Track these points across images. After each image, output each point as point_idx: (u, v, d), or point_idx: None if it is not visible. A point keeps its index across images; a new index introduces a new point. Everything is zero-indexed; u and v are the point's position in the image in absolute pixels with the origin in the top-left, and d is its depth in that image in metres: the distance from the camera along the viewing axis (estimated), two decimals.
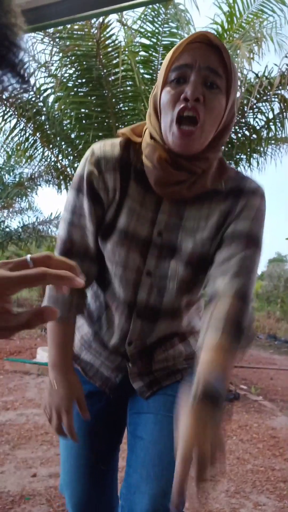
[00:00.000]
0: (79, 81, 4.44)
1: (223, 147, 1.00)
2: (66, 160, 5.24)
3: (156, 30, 4.34)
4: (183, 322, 1.05)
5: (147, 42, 4.41)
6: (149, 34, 4.36)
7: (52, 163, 5.45)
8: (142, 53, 4.47)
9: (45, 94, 4.69)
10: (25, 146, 4.99)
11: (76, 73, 4.38)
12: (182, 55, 0.88)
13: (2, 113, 4.57)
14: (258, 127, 4.62)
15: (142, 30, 4.39)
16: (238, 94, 4.34)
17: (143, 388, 1.05)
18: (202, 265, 0.96)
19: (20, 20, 0.30)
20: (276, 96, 4.22)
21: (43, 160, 5.39)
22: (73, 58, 4.23)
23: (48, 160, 5.39)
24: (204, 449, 0.68)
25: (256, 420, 3.69)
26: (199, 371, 0.77)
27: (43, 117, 4.79)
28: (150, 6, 4.19)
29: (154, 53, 4.38)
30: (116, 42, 4.17)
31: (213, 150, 0.93)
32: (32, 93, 4.60)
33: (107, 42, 4.10)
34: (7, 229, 11.19)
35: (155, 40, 4.32)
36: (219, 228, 0.96)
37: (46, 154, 5.27)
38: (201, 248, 0.96)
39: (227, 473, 2.56)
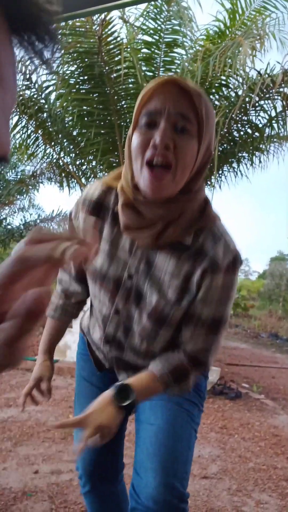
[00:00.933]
0: (81, 78, 4.43)
1: (202, 192, 0.98)
2: (68, 157, 5.23)
3: (159, 28, 4.32)
4: (158, 347, 1.08)
5: (149, 39, 4.40)
6: (151, 31, 4.34)
7: (54, 161, 5.44)
8: (144, 50, 4.45)
9: (47, 91, 4.68)
10: (27, 144, 4.99)
11: (78, 70, 4.37)
12: (152, 99, 0.88)
13: None
14: (260, 125, 4.60)
15: (144, 27, 4.38)
16: (240, 92, 4.35)
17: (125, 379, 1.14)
18: (161, 322, 1.00)
19: None
20: (278, 94, 4.20)
21: (45, 157, 5.38)
22: (75, 55, 4.22)
23: (50, 157, 5.39)
24: (99, 425, 0.90)
25: (258, 419, 3.69)
26: (131, 379, 0.98)
27: (45, 115, 4.79)
28: (153, 3, 4.17)
29: (156, 51, 4.36)
30: (118, 39, 4.16)
31: (185, 195, 0.92)
32: (34, 90, 4.60)
33: (109, 39, 4.08)
34: (9, 227, 11.20)
35: (157, 38, 4.31)
36: (181, 295, 0.98)
37: (48, 151, 5.27)
38: (162, 308, 0.98)
39: (229, 471, 2.56)
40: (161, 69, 4.42)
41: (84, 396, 1.26)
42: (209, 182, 5.08)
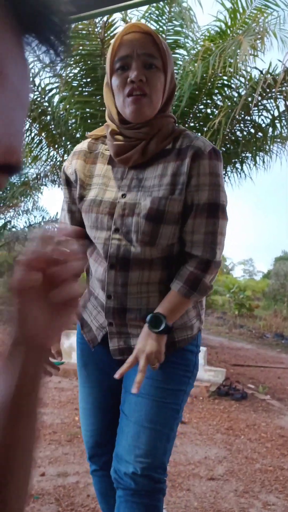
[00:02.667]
0: (84, 80, 4.44)
1: (170, 116, 1.21)
2: None
3: (160, 29, 4.32)
4: (153, 277, 1.15)
5: None
6: None
7: (58, 163, 5.46)
8: None
9: (50, 94, 4.69)
10: (31, 147, 5.00)
11: (81, 72, 4.39)
12: (121, 47, 1.10)
13: None
14: (263, 125, 4.59)
15: None
16: (243, 92, 4.34)
17: (115, 351, 1.21)
18: (159, 219, 1.09)
19: None
20: (281, 93, 4.18)
21: (49, 160, 5.40)
22: (77, 57, 4.23)
23: (54, 160, 5.41)
24: (147, 354, 1.08)
25: (264, 419, 3.67)
26: (158, 308, 1.12)
27: (48, 117, 4.80)
28: (154, 4, 4.17)
29: None
30: None
31: (159, 116, 1.14)
32: (37, 93, 4.61)
33: (111, 42, 4.09)
34: (14, 229, 11.24)
35: None
36: (173, 187, 1.11)
37: (51, 154, 5.28)
38: (157, 205, 1.09)
39: (236, 473, 2.55)
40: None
41: (87, 381, 1.34)
42: None
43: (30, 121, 4.74)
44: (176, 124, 1.23)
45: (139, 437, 1.14)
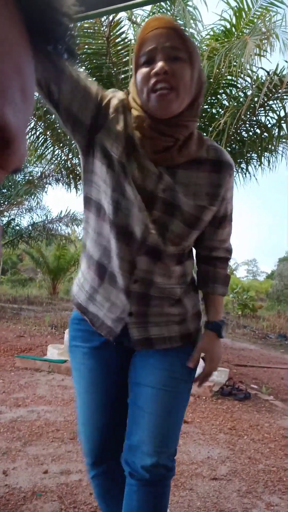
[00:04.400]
0: (89, 79, 4.44)
1: (198, 120, 1.16)
2: (77, 158, 5.25)
3: None
4: (175, 270, 1.18)
5: None
6: None
7: (62, 162, 5.46)
8: None
9: None
10: (36, 145, 5.01)
11: (86, 71, 4.39)
12: (146, 42, 1.05)
13: None
14: (269, 125, 4.57)
15: None
16: (249, 92, 4.32)
17: (137, 342, 1.20)
18: (194, 226, 1.14)
19: None
20: (287, 94, 4.17)
21: (54, 159, 5.40)
22: (83, 56, 4.24)
23: (59, 159, 5.41)
24: (216, 362, 1.28)
25: (268, 420, 3.66)
26: (207, 312, 1.25)
27: (53, 116, 4.81)
28: (158, 3, 4.17)
29: None
30: (126, 40, 4.16)
31: (190, 116, 1.08)
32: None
33: (117, 40, 4.09)
34: (18, 227, 11.27)
35: None
36: (212, 198, 1.14)
37: (56, 152, 5.29)
38: (197, 214, 1.13)
39: (239, 473, 2.54)
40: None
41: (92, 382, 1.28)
42: None
43: (36, 119, 4.75)
44: None
45: (157, 428, 1.17)
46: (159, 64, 1.01)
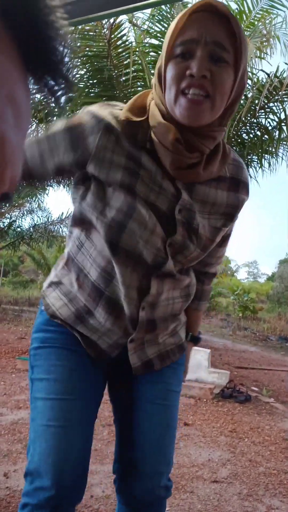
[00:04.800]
0: (91, 82, 4.46)
1: (226, 129, 0.99)
2: None
3: (165, 31, 4.33)
4: (178, 285, 1.07)
5: (156, 42, 4.42)
6: (158, 34, 4.36)
7: None
8: (152, 53, 4.47)
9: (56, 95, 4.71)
10: None
11: (88, 74, 4.40)
12: (187, 28, 0.84)
13: None
14: (270, 128, 4.58)
15: (152, 30, 4.39)
16: (250, 94, 4.34)
17: (138, 368, 1.06)
18: (208, 248, 1.03)
19: (58, 15, 0.29)
20: (287, 96, 4.18)
21: None
22: (84, 58, 4.25)
23: None
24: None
25: (268, 422, 3.66)
26: (189, 326, 1.21)
27: (54, 118, 4.82)
28: (158, 7, 4.19)
29: None
30: (127, 42, 4.18)
31: (219, 125, 0.92)
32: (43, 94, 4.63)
33: (118, 43, 4.11)
34: (19, 229, 11.28)
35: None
36: (226, 218, 1.03)
37: None
38: (212, 237, 1.01)
39: (240, 476, 2.54)
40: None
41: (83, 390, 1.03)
42: None
43: (37, 122, 4.76)
44: None
45: (157, 448, 1.07)
46: (198, 64, 0.82)
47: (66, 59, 0.30)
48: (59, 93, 0.32)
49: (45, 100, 0.32)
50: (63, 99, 0.32)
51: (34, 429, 1.00)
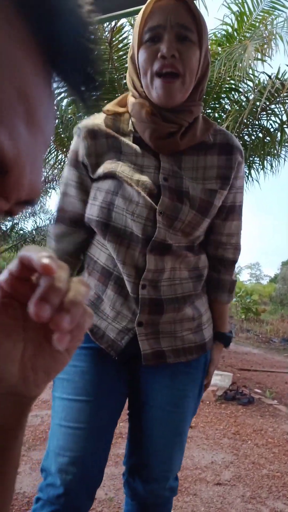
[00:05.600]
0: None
1: (202, 104, 1.09)
2: None
3: None
4: (184, 263, 1.06)
5: None
6: None
7: None
8: None
9: (58, 98, 4.73)
10: None
11: None
12: (153, 15, 0.94)
13: None
14: (272, 130, 4.58)
15: None
16: (251, 96, 4.34)
17: (149, 355, 1.03)
18: (206, 212, 1.03)
19: (87, 8, 0.28)
20: None
21: (57, 163, 5.43)
22: None
23: (62, 163, 5.43)
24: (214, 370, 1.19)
25: (271, 425, 3.65)
26: (216, 323, 1.17)
27: (56, 121, 4.83)
28: None
29: None
30: (128, 45, 4.19)
31: (194, 102, 1.01)
32: None
33: (119, 46, 4.12)
34: (21, 232, 11.30)
35: None
36: (221, 181, 1.04)
37: (59, 157, 5.31)
38: (208, 198, 1.03)
39: (243, 478, 2.53)
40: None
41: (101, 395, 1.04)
42: None
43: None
44: None
45: (165, 453, 1.09)
46: (167, 45, 0.91)
47: (95, 55, 0.28)
48: (87, 93, 0.30)
49: (72, 99, 0.31)
50: (91, 99, 0.31)
51: (51, 426, 1.06)
